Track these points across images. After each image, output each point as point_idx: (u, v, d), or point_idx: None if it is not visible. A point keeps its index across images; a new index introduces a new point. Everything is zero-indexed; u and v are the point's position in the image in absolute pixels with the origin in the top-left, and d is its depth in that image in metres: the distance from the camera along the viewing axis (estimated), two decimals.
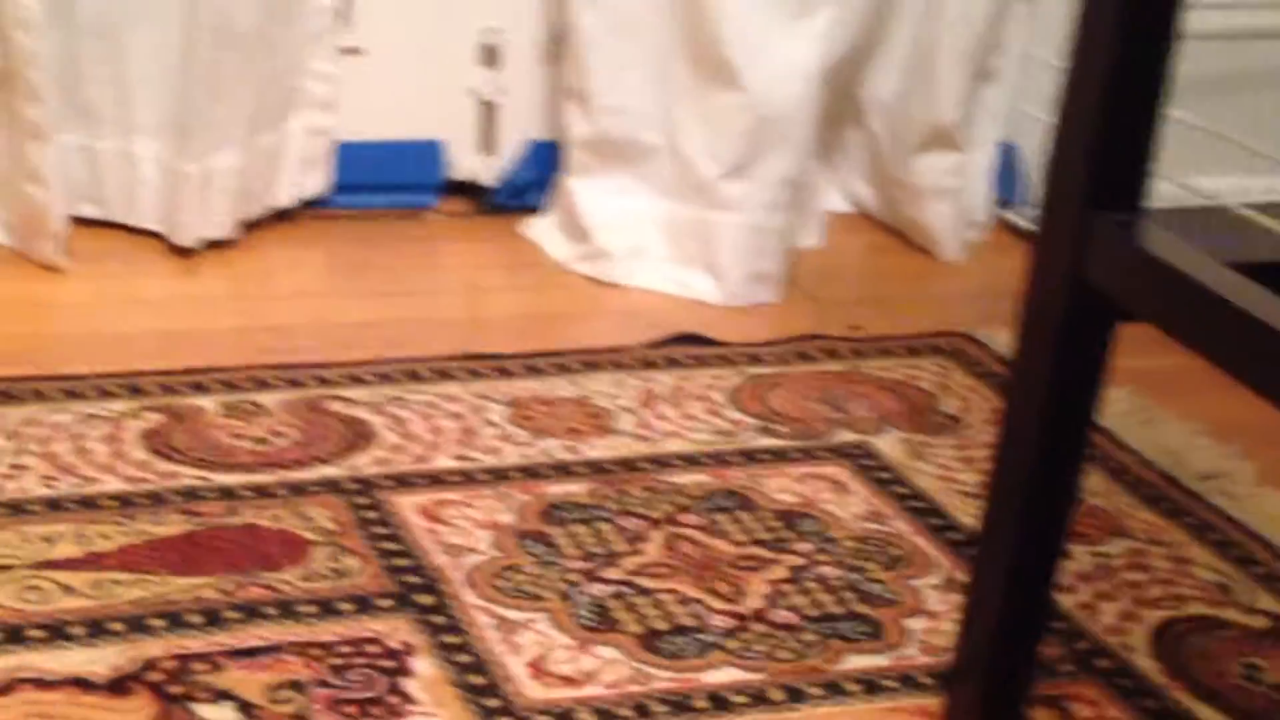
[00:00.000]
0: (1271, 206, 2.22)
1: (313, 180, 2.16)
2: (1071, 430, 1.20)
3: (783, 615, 1.45)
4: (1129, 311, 1.14)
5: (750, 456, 1.70)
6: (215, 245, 2.06)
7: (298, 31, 2.09)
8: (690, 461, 1.69)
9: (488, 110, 2.24)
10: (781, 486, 1.65)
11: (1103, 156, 1.13)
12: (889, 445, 1.75)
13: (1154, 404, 1.84)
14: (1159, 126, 1.12)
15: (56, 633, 1.34)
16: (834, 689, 1.37)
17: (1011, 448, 1.22)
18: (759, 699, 1.35)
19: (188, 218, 2.04)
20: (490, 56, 2.22)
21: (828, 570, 1.52)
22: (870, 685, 1.38)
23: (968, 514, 1.61)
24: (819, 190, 2.26)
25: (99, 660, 1.32)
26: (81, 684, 1.29)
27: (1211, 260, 1.10)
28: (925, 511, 1.63)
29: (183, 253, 2.04)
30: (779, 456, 1.71)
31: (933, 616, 1.47)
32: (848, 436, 1.76)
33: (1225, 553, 1.60)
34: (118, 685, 1.29)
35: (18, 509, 1.50)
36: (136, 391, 1.72)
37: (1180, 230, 1.14)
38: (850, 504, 1.63)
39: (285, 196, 2.15)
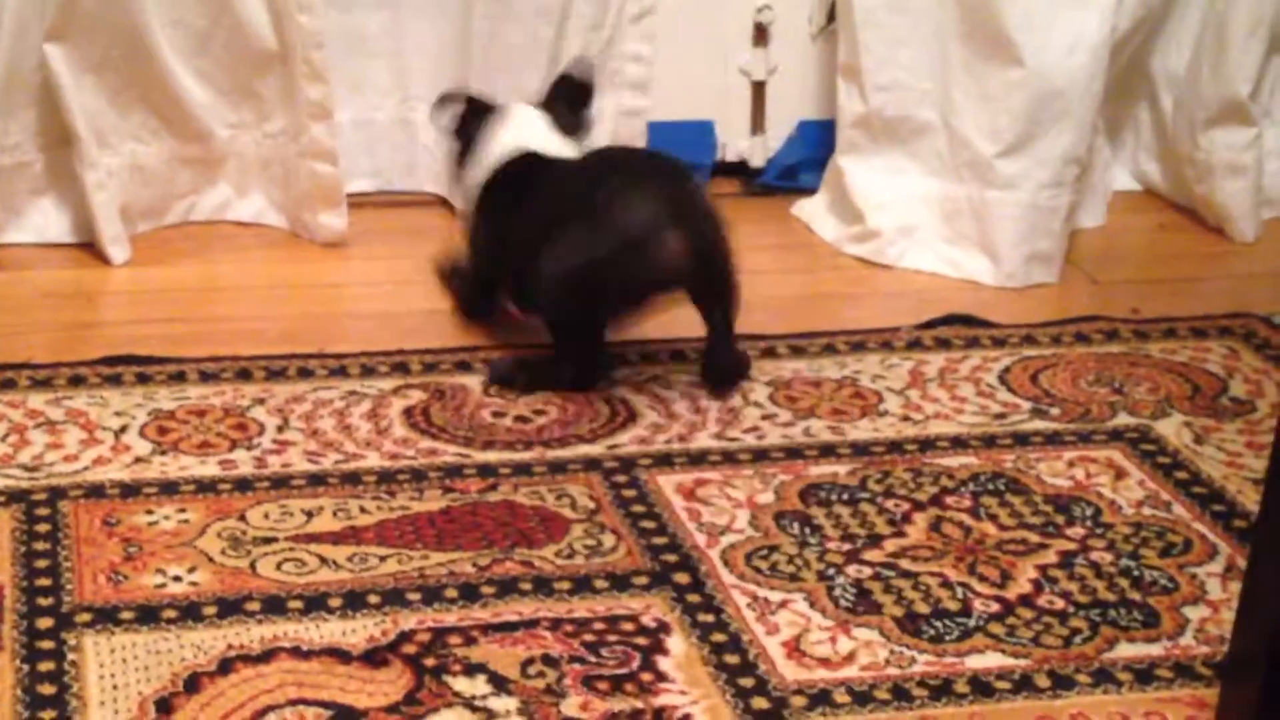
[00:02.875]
0: None
1: None
2: None
3: (1051, 601, 1.40)
4: None
5: (1021, 439, 1.64)
6: None
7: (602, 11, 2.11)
8: (958, 444, 1.63)
9: (758, 90, 2.21)
10: (1053, 470, 1.59)
11: None
12: (1171, 429, 1.67)
13: None
14: None
15: (315, 604, 1.36)
16: (1103, 676, 1.31)
17: None
18: (1023, 685, 1.29)
19: None
20: (761, 35, 2.19)
21: (1100, 556, 1.46)
22: (1142, 674, 1.31)
23: (1254, 501, 1.52)
24: (1105, 168, 2.18)
25: (355, 631, 1.32)
26: (338, 654, 1.30)
27: None
28: (1208, 498, 1.55)
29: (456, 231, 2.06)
30: (1051, 440, 1.65)
31: (1212, 605, 1.39)
32: (1127, 420, 1.69)
33: None
34: (373, 656, 1.30)
35: (281, 483, 1.52)
36: (401, 369, 1.73)
37: None
38: (1128, 489, 1.56)
39: None
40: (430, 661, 1.29)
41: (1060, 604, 1.39)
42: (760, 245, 2.07)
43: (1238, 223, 2.12)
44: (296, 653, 1.30)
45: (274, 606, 1.35)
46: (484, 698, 1.25)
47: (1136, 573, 1.44)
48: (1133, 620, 1.38)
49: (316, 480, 1.53)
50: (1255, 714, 1.19)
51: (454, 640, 1.32)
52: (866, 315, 1.92)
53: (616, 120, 2.15)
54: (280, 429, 1.61)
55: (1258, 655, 1.18)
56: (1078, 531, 1.49)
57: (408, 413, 1.65)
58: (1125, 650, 1.34)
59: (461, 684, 1.27)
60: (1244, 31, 2.06)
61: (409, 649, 1.31)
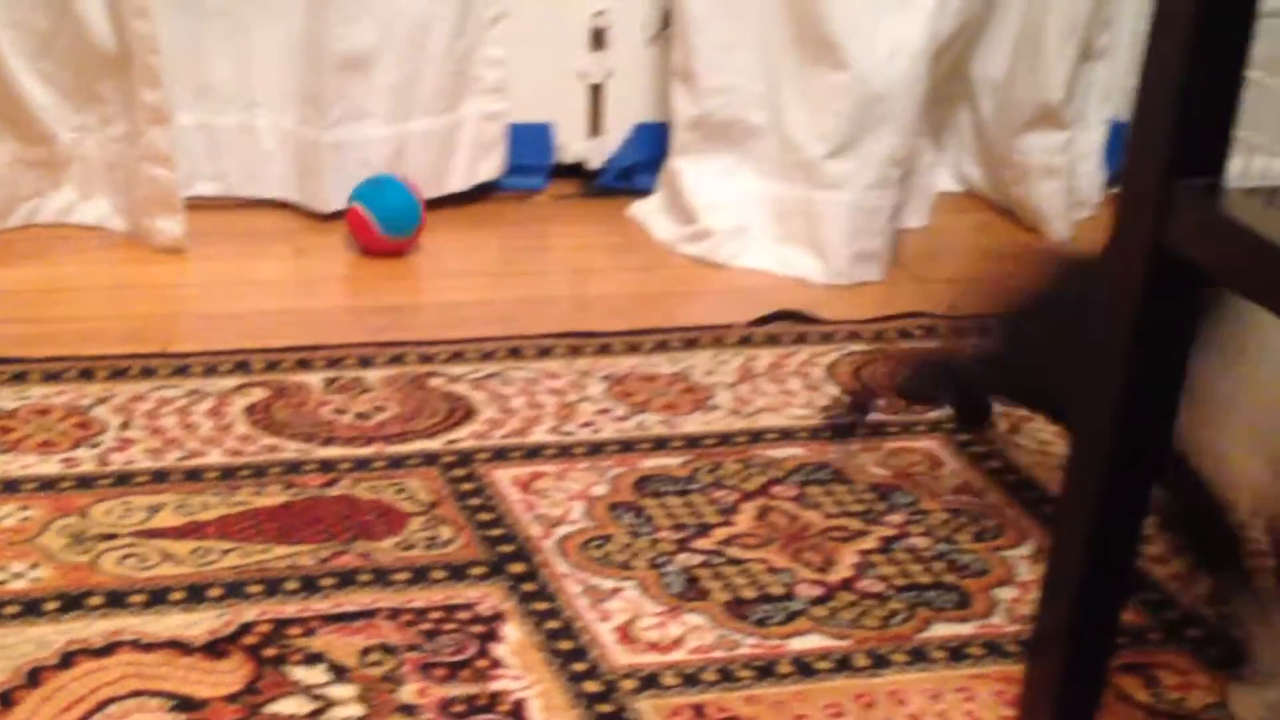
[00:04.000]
0: None
1: (485, 165, 2.21)
2: (1155, 395, 1.19)
3: (871, 585, 1.46)
4: (1210, 276, 1.13)
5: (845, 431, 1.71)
6: (332, 222, 2.12)
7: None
8: (786, 436, 1.70)
9: (596, 93, 2.26)
10: (876, 460, 1.66)
11: (1183, 123, 1.13)
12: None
13: None
14: (1239, 94, 1.12)
15: (157, 597, 1.38)
16: (919, 655, 1.37)
17: (1094, 413, 1.21)
18: (844, 665, 1.36)
19: (317, 187, 2.11)
20: (598, 39, 2.24)
21: (918, 541, 1.53)
22: (955, 652, 1.38)
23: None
24: (928, 170, 2.26)
25: (196, 624, 1.35)
26: (179, 646, 1.33)
27: None
28: (1019, 485, 1.63)
29: (298, 232, 2.09)
30: (875, 431, 1.71)
31: (1022, 586, 1.47)
32: (944, 412, 1.76)
33: None
34: (214, 647, 1.33)
35: (124, 480, 1.55)
36: (243, 368, 1.76)
37: None
38: (945, 478, 1.63)
39: (456, 179, 2.21)
40: (270, 652, 1.33)
41: (879, 587, 1.46)
42: (597, 245, 2.13)
43: (1052, 223, 2.21)
44: (138, 645, 1.33)
45: (116, 601, 1.38)
46: (323, 686, 1.29)
47: (951, 557, 1.51)
48: (947, 602, 1.44)
49: (159, 477, 1.56)
50: (1057, 687, 1.26)
51: (294, 631, 1.35)
52: (700, 313, 1.97)
53: (477, 125, 2.19)
54: (123, 427, 1.64)
55: (1060, 633, 1.25)
56: (897, 518, 1.56)
57: (249, 410, 1.68)
58: (940, 630, 1.41)
59: (301, 673, 1.31)
60: (1058, 39, 2.14)
61: (249, 640, 1.34)
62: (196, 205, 2.10)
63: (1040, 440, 1.71)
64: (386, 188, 2.06)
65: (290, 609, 1.38)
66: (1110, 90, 2.27)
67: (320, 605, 1.39)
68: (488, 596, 1.42)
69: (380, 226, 2.03)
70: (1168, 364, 1.18)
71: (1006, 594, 1.46)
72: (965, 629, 1.41)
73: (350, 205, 2.06)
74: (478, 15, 2.16)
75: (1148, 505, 1.21)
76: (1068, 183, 2.20)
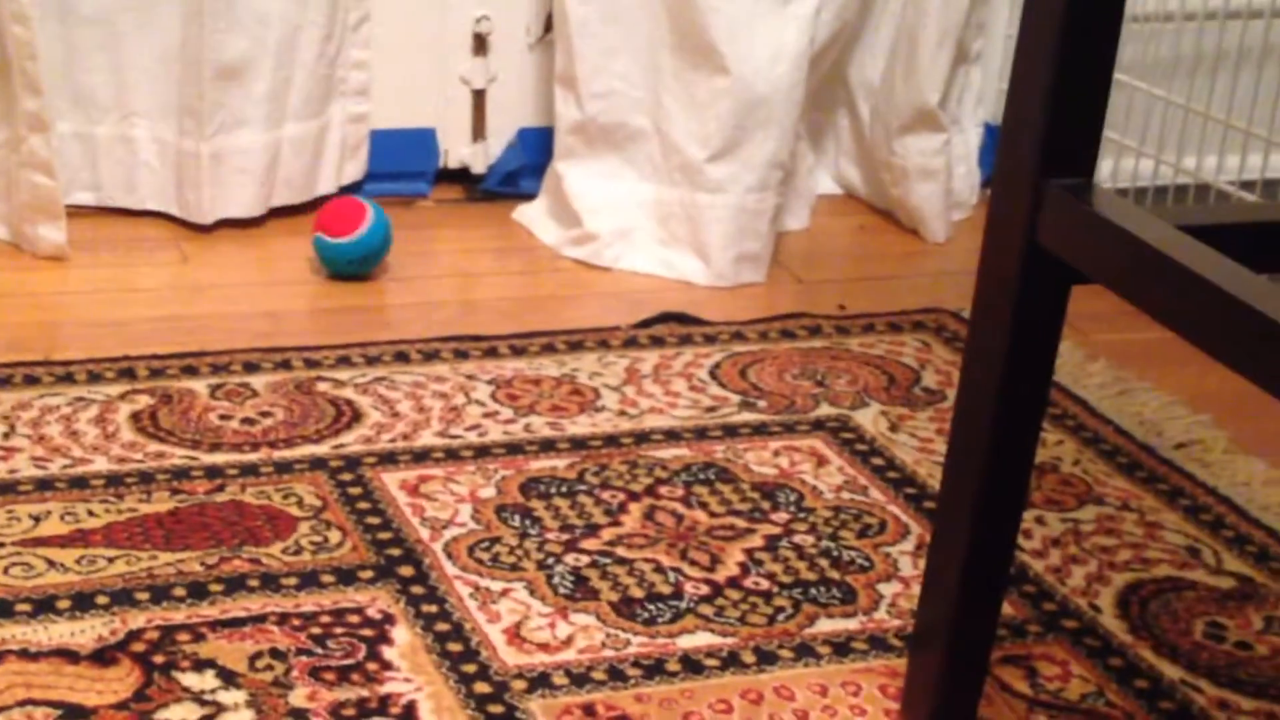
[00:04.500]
0: (1250, 184, 2.25)
1: (350, 168, 2.21)
2: (1028, 390, 1.22)
3: (757, 582, 1.48)
4: (1081, 273, 1.16)
5: (731, 431, 1.73)
6: (213, 231, 2.11)
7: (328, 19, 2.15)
8: (672, 436, 1.71)
9: (479, 98, 2.27)
10: (761, 459, 1.68)
11: (1053, 124, 1.16)
12: (868, 419, 1.77)
13: (1131, 376, 1.87)
14: (1107, 95, 1.15)
15: (43, 606, 1.38)
16: (805, 651, 1.39)
17: (970, 409, 1.24)
18: (731, 662, 1.38)
19: (196, 197, 2.10)
20: (480, 44, 2.25)
21: (803, 539, 1.55)
22: (840, 648, 1.40)
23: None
24: (808, 173, 2.29)
25: (84, 632, 1.35)
26: (66, 655, 1.32)
27: (1159, 222, 1.12)
28: (901, 481, 1.66)
29: (180, 240, 2.08)
30: (759, 431, 1.74)
31: (904, 581, 1.49)
32: (828, 410, 1.79)
33: (1195, 517, 1.62)
34: (102, 655, 1.33)
35: (8, 489, 1.54)
36: (128, 376, 1.75)
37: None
38: (828, 476, 1.66)
39: (325, 183, 2.20)
40: (159, 659, 1.33)
41: (765, 585, 1.48)
42: (483, 249, 2.13)
43: (930, 224, 2.25)
44: (25, 655, 1.32)
45: (2, 610, 1.37)
46: (213, 692, 1.29)
47: (836, 553, 1.53)
48: (832, 598, 1.47)
49: (44, 485, 1.55)
50: (939, 680, 1.29)
51: (182, 637, 1.35)
52: (585, 315, 1.99)
53: (343, 128, 2.20)
54: (6, 436, 1.62)
55: (941, 626, 1.28)
56: (782, 516, 1.58)
57: (135, 417, 1.68)
58: (825, 625, 1.43)
59: (190, 679, 1.31)
60: (933, 43, 2.18)
61: (138, 647, 1.34)
62: (76, 214, 2.08)
63: (921, 437, 1.74)
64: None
65: (179, 615, 1.38)
66: (985, 94, 2.32)
67: (209, 611, 1.39)
68: (377, 600, 1.42)
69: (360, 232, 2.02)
70: (1041, 359, 1.21)
71: (890, 589, 1.48)
72: (850, 624, 1.43)
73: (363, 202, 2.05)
74: (345, 19, 2.16)
75: (1025, 498, 1.24)
76: (945, 184, 2.24)
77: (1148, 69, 2.27)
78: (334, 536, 1.51)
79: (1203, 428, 1.77)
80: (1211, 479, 1.68)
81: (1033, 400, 1.22)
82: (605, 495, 1.60)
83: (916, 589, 1.46)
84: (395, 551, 1.49)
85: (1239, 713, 1.36)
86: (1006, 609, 1.42)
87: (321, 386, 1.76)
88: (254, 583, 1.43)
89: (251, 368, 1.79)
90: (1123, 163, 2.29)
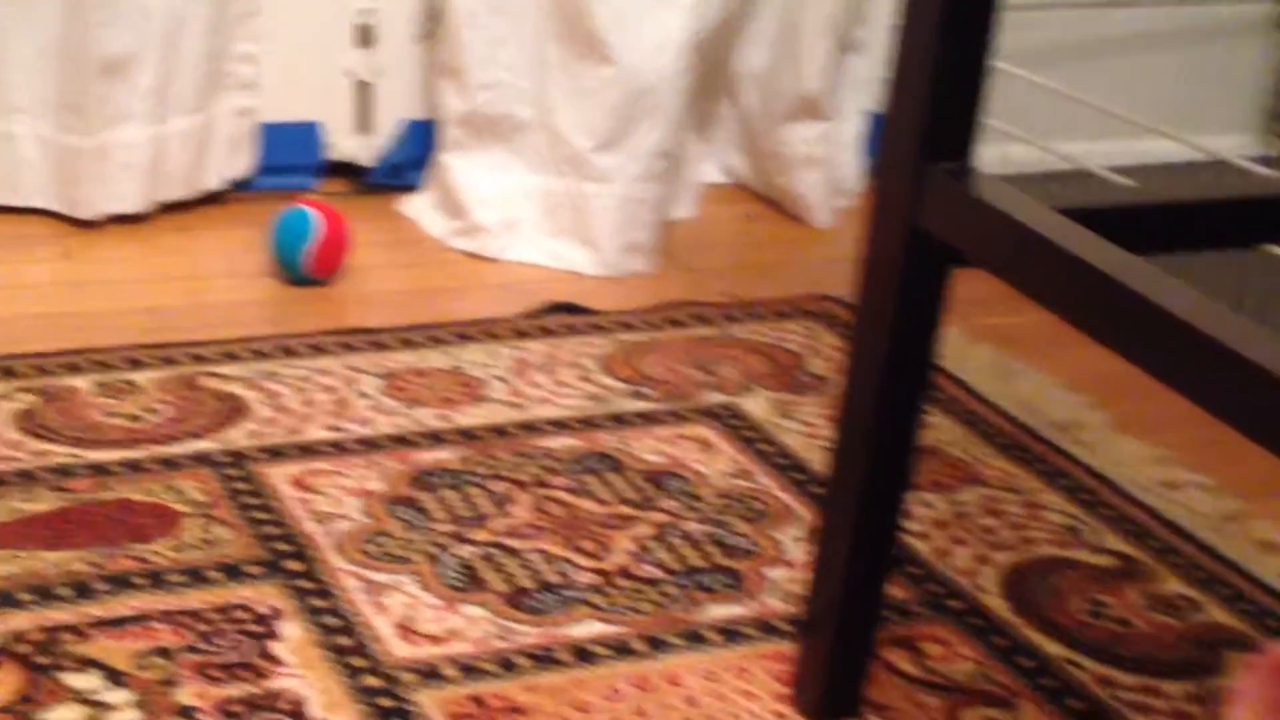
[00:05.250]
0: (1130, 169, 2.28)
1: (236, 162, 2.19)
2: (912, 373, 1.23)
3: (646, 570, 1.49)
4: (962, 256, 1.17)
5: (620, 420, 1.74)
6: (99, 228, 2.09)
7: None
8: (560, 426, 1.72)
9: (364, 90, 2.26)
10: (650, 448, 1.69)
11: (934, 110, 1.17)
12: (756, 405, 1.78)
13: (1013, 359, 1.89)
14: (987, 81, 1.16)
15: None
16: (695, 638, 1.40)
17: (855, 393, 1.25)
18: (621, 650, 1.38)
19: (80, 193, 2.07)
20: (365, 37, 2.24)
21: (692, 526, 1.56)
22: (730, 633, 1.41)
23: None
24: (693, 162, 2.30)
25: None
26: None
27: (1039, 205, 1.14)
28: (789, 467, 1.67)
29: (64, 236, 2.06)
30: (648, 419, 1.74)
31: (793, 566, 1.51)
32: (716, 398, 1.80)
33: (1076, 497, 1.64)
34: None
35: None
36: (10, 374, 1.73)
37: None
38: (717, 462, 1.67)
39: (212, 178, 2.18)
40: (43, 660, 1.31)
41: (655, 573, 1.49)
42: (370, 242, 2.13)
43: (814, 211, 2.26)
44: None
45: None
46: (98, 692, 1.28)
47: (724, 539, 1.54)
48: (721, 584, 1.48)
49: None
50: (829, 663, 1.30)
51: (67, 638, 1.34)
52: (473, 307, 1.99)
53: (230, 122, 2.18)
54: None
55: (830, 610, 1.29)
56: (671, 504, 1.59)
57: (17, 416, 1.66)
58: (714, 612, 1.44)
59: (75, 679, 1.29)
60: (816, 33, 2.19)
61: (22, 649, 1.32)
62: None
63: (808, 423, 1.75)
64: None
65: (63, 615, 1.37)
66: (867, 82, 2.33)
67: (94, 610, 1.38)
68: (265, 595, 1.41)
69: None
70: (924, 343, 1.23)
71: (778, 574, 1.50)
72: (739, 610, 1.44)
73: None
74: (230, 11, 2.14)
75: (909, 480, 1.26)
76: (828, 172, 2.25)
77: (1027, 57, 2.30)
78: (221, 532, 1.50)
79: (1083, 409, 1.79)
80: (1091, 459, 1.70)
81: (916, 384, 1.24)
82: (494, 486, 1.60)
83: (804, 573, 1.48)
84: (283, 547, 1.48)
85: (1120, 688, 1.38)
86: (892, 591, 1.43)
87: (207, 382, 1.75)
88: (140, 581, 1.42)
89: (136, 364, 1.77)
90: (1007, 150, 2.32)
